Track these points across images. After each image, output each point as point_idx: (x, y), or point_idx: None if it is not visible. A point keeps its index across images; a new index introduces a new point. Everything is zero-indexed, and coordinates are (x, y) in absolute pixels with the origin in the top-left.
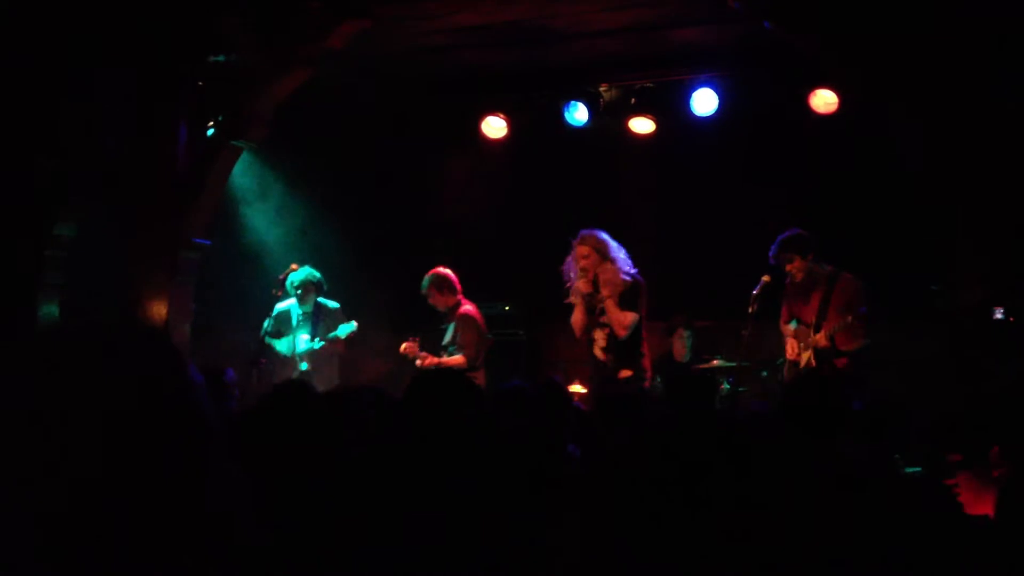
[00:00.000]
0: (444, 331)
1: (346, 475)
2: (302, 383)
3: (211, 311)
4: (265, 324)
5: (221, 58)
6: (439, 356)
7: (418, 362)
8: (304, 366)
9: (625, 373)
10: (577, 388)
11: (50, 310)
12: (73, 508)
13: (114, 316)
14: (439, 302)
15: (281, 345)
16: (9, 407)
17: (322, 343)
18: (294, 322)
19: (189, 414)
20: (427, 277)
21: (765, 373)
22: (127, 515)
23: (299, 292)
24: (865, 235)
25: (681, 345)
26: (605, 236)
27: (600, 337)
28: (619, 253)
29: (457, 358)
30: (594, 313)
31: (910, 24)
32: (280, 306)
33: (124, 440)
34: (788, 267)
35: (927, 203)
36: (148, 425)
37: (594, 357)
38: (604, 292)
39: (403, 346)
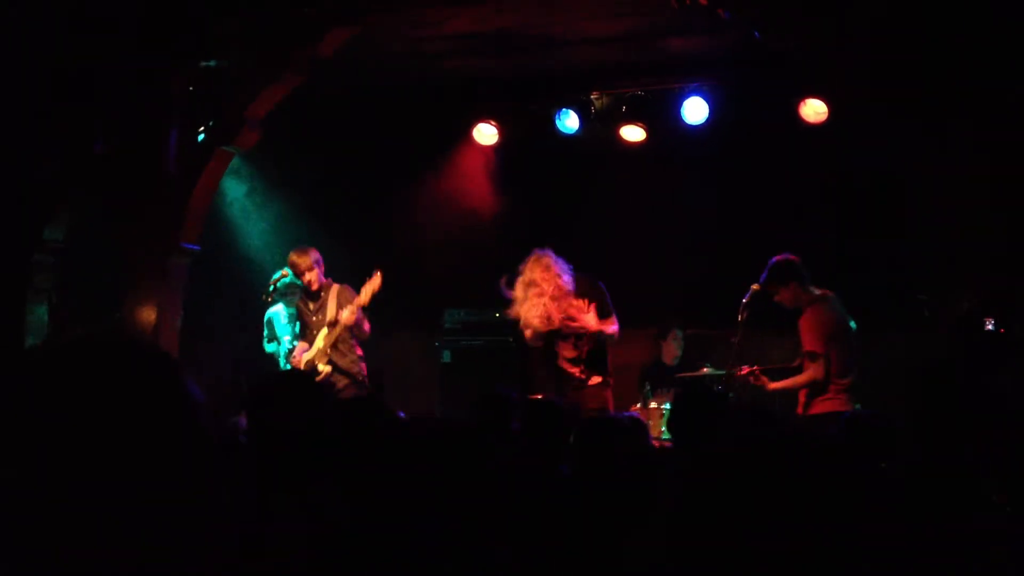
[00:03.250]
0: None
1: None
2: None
3: (199, 317)
4: (264, 332)
5: (212, 63)
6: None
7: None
8: (286, 367)
9: (595, 380)
10: None
11: (39, 315)
12: (72, 517)
13: (103, 322)
14: (316, 279)
15: (271, 348)
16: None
17: (296, 343)
18: (278, 327)
19: (185, 424)
20: (307, 253)
21: None
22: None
23: (286, 295)
24: (854, 244)
25: (676, 347)
26: (555, 258)
27: (566, 348)
28: (568, 272)
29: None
30: (556, 334)
31: (899, 31)
32: (270, 311)
33: (119, 449)
34: (776, 299)
35: (917, 211)
36: (143, 435)
37: (559, 368)
38: (572, 317)
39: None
